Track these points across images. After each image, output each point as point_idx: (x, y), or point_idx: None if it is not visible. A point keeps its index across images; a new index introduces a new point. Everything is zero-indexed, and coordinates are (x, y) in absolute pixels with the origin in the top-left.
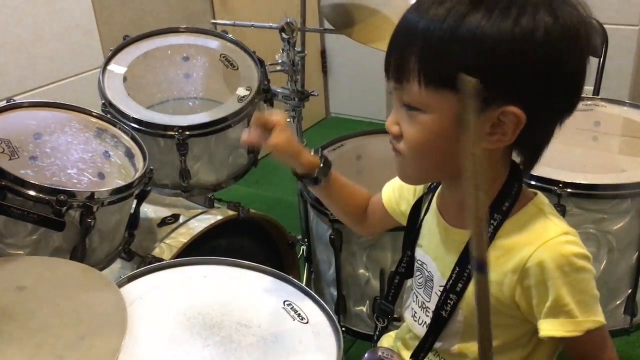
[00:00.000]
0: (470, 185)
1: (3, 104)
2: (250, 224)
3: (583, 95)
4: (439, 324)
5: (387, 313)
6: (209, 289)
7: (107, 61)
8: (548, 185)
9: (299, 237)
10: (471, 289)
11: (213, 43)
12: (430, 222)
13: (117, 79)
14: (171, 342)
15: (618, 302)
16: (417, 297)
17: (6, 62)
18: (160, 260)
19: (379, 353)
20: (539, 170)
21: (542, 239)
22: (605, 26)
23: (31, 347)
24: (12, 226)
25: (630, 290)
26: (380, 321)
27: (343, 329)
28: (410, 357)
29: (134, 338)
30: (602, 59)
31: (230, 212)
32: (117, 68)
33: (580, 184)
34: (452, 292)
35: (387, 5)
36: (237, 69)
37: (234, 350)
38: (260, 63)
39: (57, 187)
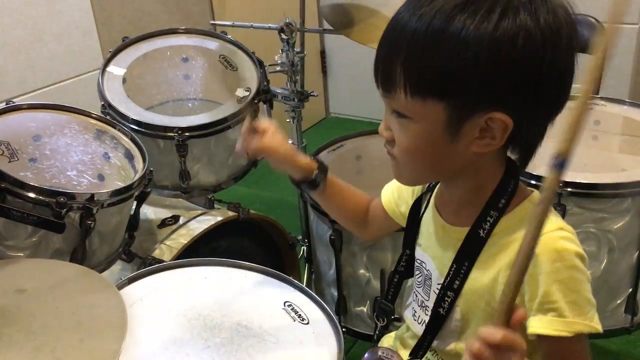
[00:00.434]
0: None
1: (2, 106)
2: (251, 225)
3: None
4: (436, 322)
5: (387, 312)
6: (210, 290)
7: (107, 63)
8: None
9: (299, 237)
10: (468, 286)
11: (212, 44)
12: (429, 220)
13: (116, 80)
14: (172, 343)
15: (619, 302)
16: (417, 296)
17: (5, 64)
18: (161, 261)
19: (379, 353)
20: (539, 169)
21: None
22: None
23: (31, 349)
24: (12, 228)
25: (630, 290)
26: (380, 320)
27: (343, 329)
28: (409, 355)
29: (134, 340)
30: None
31: (231, 213)
32: (117, 69)
33: (580, 183)
34: (449, 289)
35: (386, 6)
36: (237, 69)
37: (234, 351)
38: (259, 64)
39: (56, 189)
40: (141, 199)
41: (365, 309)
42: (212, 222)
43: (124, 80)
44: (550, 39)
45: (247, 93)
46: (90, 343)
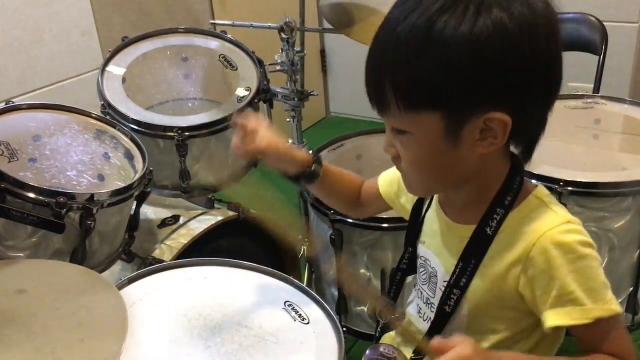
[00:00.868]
0: None
1: (2, 106)
2: (251, 225)
3: (583, 93)
4: (442, 318)
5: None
6: (210, 290)
7: (106, 62)
8: (548, 184)
9: (299, 237)
10: (475, 283)
11: (212, 43)
12: (432, 218)
13: (116, 80)
14: (172, 343)
15: (619, 301)
16: (421, 293)
17: (5, 64)
18: (161, 261)
19: (381, 349)
20: (540, 168)
21: (545, 228)
22: (605, 23)
23: (31, 350)
24: (11, 228)
25: (631, 288)
26: (383, 317)
27: (344, 329)
28: (413, 352)
29: (134, 340)
30: (602, 56)
31: (231, 213)
32: (116, 69)
33: (580, 182)
34: (456, 287)
35: (386, 5)
36: (237, 69)
37: (235, 351)
38: (259, 63)
39: (56, 189)
40: (141, 199)
41: (365, 309)
42: (212, 222)
43: (124, 80)
44: (527, 31)
45: (247, 92)
46: (91, 343)
